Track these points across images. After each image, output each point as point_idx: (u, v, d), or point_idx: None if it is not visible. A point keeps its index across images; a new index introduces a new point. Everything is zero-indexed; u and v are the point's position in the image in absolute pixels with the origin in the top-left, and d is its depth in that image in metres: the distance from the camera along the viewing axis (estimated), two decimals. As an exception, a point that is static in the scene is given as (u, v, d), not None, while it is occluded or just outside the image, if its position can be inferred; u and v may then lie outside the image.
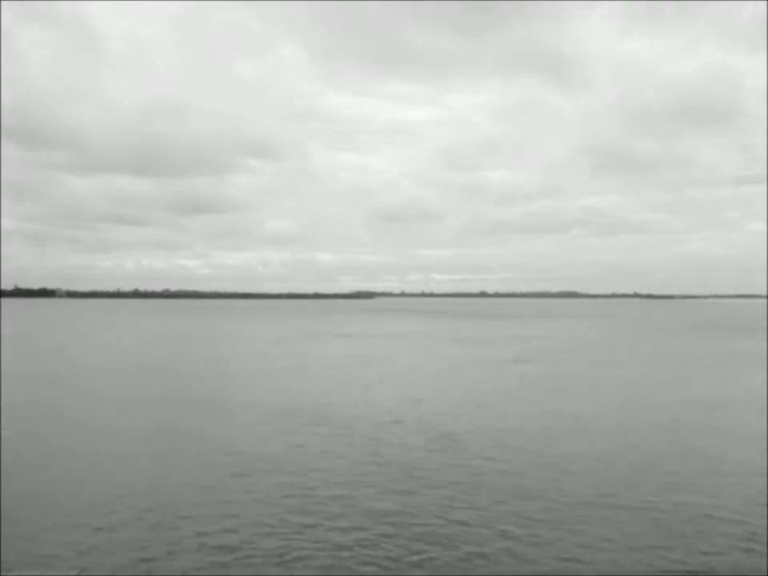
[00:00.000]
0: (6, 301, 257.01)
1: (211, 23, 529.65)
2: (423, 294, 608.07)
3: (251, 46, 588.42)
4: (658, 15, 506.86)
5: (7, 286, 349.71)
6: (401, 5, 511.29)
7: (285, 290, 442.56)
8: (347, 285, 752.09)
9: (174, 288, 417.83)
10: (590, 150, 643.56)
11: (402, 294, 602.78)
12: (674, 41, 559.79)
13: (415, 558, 12.11)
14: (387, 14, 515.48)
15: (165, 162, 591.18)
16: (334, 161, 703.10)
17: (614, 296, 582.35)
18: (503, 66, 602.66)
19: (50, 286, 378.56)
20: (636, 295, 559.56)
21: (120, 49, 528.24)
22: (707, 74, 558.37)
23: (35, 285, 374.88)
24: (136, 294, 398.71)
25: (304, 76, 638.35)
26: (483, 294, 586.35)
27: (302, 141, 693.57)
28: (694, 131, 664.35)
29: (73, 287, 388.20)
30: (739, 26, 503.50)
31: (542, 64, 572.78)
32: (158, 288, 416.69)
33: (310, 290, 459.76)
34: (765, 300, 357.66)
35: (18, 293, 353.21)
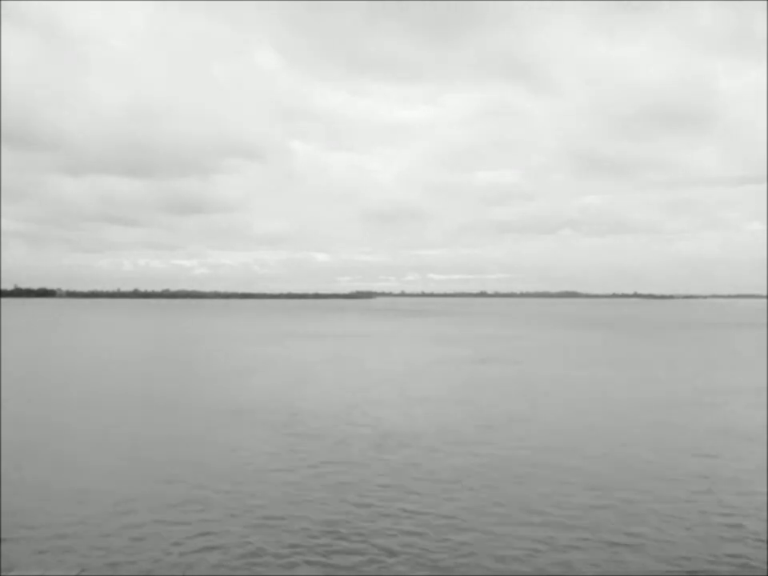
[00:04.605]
0: (5, 301, 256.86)
1: (194, 25, 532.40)
2: (423, 294, 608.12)
3: (243, 47, 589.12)
4: (628, 20, 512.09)
5: (7, 286, 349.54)
6: (384, 6, 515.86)
7: (285, 291, 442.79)
8: (346, 285, 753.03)
9: (174, 288, 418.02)
10: (588, 150, 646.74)
11: (402, 294, 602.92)
12: (649, 45, 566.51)
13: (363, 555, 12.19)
14: (373, 17, 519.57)
15: (156, 163, 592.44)
16: (329, 161, 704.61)
17: (614, 296, 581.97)
18: (494, 69, 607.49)
19: (49, 286, 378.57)
20: (636, 295, 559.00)
21: (100, 52, 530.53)
22: (686, 77, 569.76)
23: (34, 285, 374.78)
24: (136, 294, 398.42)
25: (300, 76, 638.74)
26: (483, 294, 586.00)
27: (297, 141, 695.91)
28: (690, 133, 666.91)
29: (72, 287, 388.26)
30: (704, 29, 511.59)
31: (531, 68, 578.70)
32: (158, 288, 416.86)
33: (309, 290, 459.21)
34: (765, 300, 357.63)
35: (18, 293, 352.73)
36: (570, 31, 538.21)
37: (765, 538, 12.96)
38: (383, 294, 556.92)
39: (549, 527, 13.63)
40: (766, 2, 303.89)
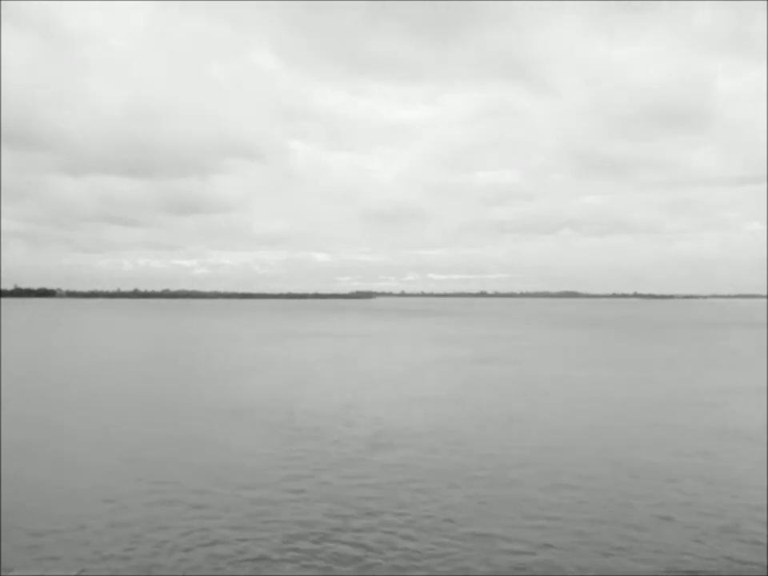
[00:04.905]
0: (5, 301, 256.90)
1: (194, 25, 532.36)
2: (423, 294, 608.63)
3: (243, 47, 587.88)
4: (626, 21, 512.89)
5: (7, 286, 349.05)
6: (384, 6, 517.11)
7: (285, 291, 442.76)
8: (346, 285, 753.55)
9: (174, 288, 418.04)
10: (588, 150, 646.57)
11: (402, 294, 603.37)
12: (648, 45, 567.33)
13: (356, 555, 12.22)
14: (373, 17, 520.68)
15: (156, 163, 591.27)
16: (329, 161, 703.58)
17: (614, 296, 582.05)
18: (494, 69, 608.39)
19: (49, 286, 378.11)
20: (636, 295, 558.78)
21: (100, 52, 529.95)
22: (686, 77, 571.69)
23: (34, 285, 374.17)
24: (136, 294, 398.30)
25: (300, 76, 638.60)
26: (483, 294, 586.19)
27: (297, 141, 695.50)
28: (690, 133, 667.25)
29: (72, 287, 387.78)
30: (704, 30, 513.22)
31: (531, 68, 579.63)
32: (158, 288, 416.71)
33: (309, 290, 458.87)
34: (765, 300, 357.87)
35: (18, 293, 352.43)
36: (569, 31, 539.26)
37: (764, 539, 12.97)
38: (383, 294, 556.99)
39: (545, 528, 13.63)
40: (765, 1, 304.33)
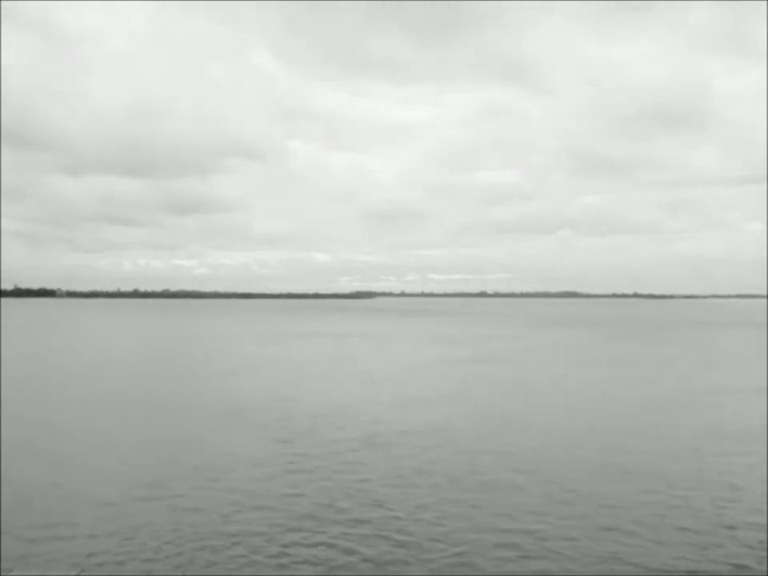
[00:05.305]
0: (5, 301, 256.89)
1: (194, 25, 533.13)
2: (423, 294, 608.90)
3: (243, 47, 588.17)
4: (622, 21, 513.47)
5: (7, 286, 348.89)
6: (384, 6, 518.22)
7: (285, 291, 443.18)
8: (346, 285, 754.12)
9: (174, 288, 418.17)
10: (587, 150, 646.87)
11: (402, 294, 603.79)
12: (648, 45, 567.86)
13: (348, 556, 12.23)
14: (373, 17, 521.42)
15: (156, 163, 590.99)
16: (329, 161, 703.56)
17: (614, 296, 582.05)
18: (494, 69, 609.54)
19: (49, 286, 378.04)
20: (636, 295, 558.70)
21: (99, 52, 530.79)
22: (686, 77, 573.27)
23: (34, 285, 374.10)
24: (136, 294, 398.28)
25: (299, 76, 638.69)
26: (483, 294, 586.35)
27: (297, 141, 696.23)
28: (690, 133, 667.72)
29: (72, 287, 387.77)
30: (703, 29, 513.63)
31: (530, 68, 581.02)
32: (158, 288, 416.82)
33: (309, 290, 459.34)
34: (765, 300, 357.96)
35: (18, 293, 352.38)
36: (569, 31, 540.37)
37: (764, 538, 12.97)
38: (383, 294, 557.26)
39: (541, 528, 13.61)
40: (765, 1, 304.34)
